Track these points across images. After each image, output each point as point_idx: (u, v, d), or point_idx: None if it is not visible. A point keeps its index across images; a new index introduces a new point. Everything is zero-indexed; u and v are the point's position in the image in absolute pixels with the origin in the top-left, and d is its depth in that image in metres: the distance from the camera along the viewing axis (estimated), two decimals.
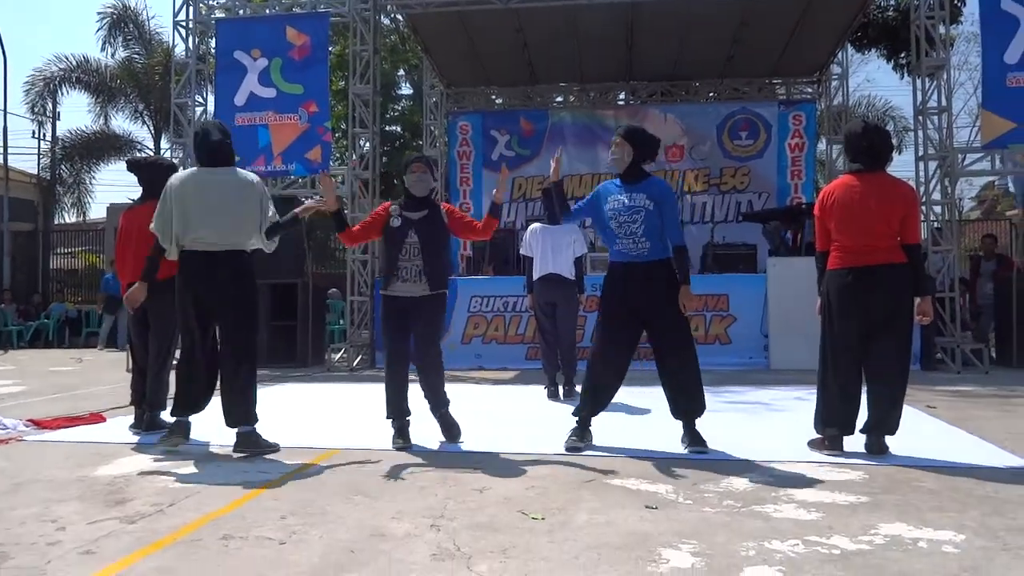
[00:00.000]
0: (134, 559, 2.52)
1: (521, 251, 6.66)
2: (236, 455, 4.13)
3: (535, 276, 6.34)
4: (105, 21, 20.14)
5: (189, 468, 3.86)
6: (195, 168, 4.36)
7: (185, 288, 4.20)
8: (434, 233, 4.43)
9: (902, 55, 14.57)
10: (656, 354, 4.25)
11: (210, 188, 4.21)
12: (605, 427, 4.99)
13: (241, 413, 4.19)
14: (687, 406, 4.19)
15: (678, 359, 4.16)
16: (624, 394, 6.43)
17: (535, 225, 6.51)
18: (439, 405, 4.53)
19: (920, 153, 9.15)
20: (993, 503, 3.11)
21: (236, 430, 4.19)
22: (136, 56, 20.30)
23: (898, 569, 2.37)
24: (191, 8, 10.24)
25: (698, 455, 4.02)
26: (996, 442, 4.34)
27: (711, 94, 13.70)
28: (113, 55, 20.29)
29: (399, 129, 21.30)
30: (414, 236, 4.36)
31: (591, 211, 4.45)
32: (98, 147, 20.16)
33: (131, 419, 4.90)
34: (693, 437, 4.15)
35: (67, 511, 3.08)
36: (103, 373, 9.03)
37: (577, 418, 4.32)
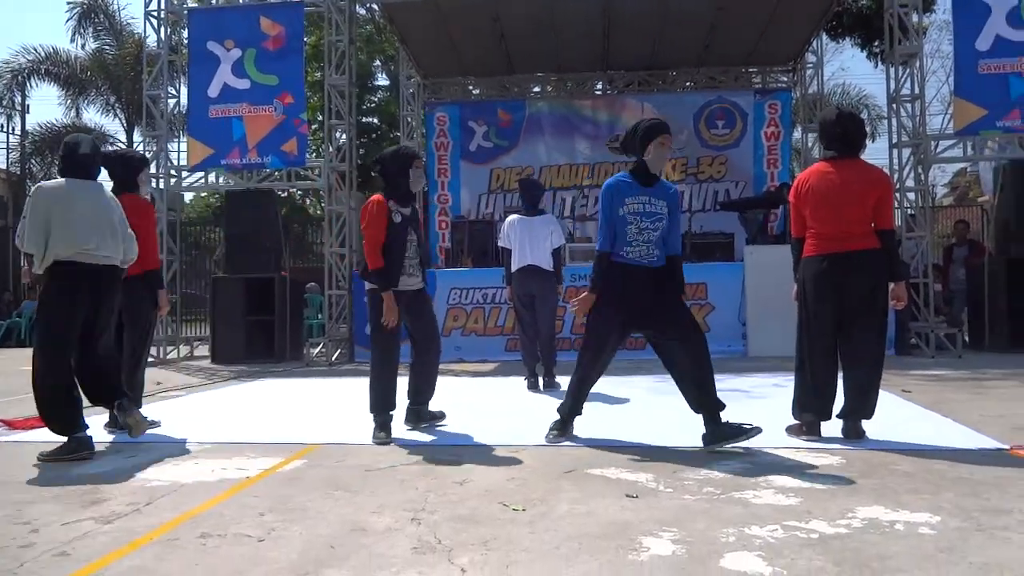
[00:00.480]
0: (110, 560, 2.49)
1: (499, 243, 6.64)
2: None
3: (513, 268, 6.33)
4: (75, 11, 19.83)
5: (166, 467, 3.82)
6: (65, 179, 4.17)
7: (77, 298, 4.04)
8: (419, 228, 4.57)
9: (876, 44, 14.69)
10: (672, 357, 4.02)
11: (91, 201, 4.15)
12: (585, 417, 5.01)
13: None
14: (718, 402, 3.97)
15: (704, 356, 3.98)
16: (604, 384, 6.46)
17: (513, 216, 6.49)
18: (430, 397, 4.68)
19: (894, 140, 9.24)
20: (968, 485, 3.15)
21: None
22: (107, 47, 20.03)
23: (876, 552, 2.40)
24: None
25: (741, 442, 3.80)
26: (970, 425, 4.40)
27: (688, 83, 13.73)
28: (83, 46, 20.00)
29: (376, 120, 21.17)
30: (412, 233, 4.45)
31: (613, 212, 4.00)
32: None
33: (105, 418, 4.83)
34: (730, 428, 3.87)
35: (41, 512, 3.03)
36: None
37: (560, 414, 4.26)
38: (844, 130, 4.02)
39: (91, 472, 3.71)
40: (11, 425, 4.97)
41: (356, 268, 4.37)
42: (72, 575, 2.36)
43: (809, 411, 4.06)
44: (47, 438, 4.56)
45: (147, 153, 10.16)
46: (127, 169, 4.88)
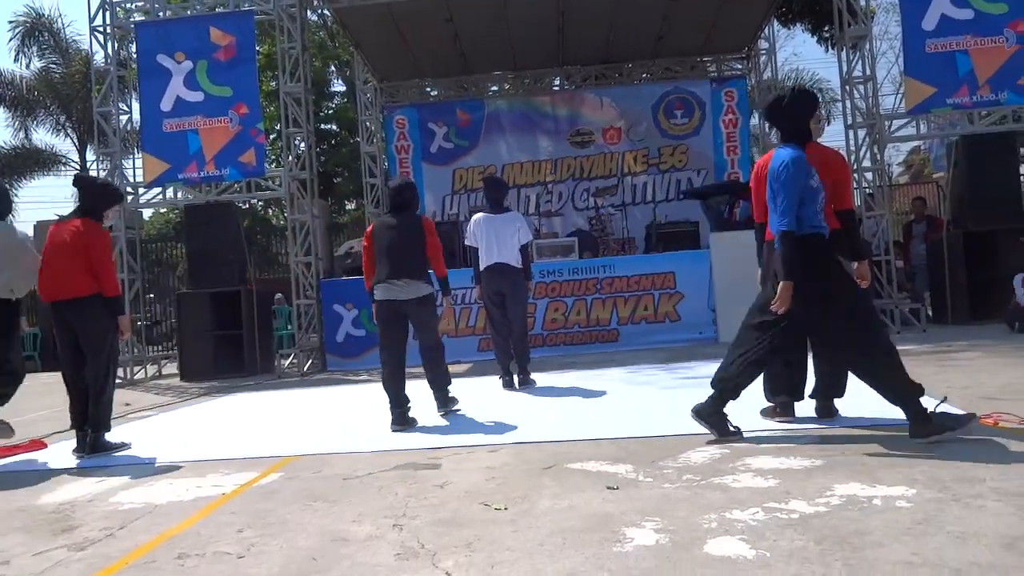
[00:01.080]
0: None
1: (466, 242, 6.60)
2: None
3: (481, 266, 6.30)
4: (18, 30, 19.33)
5: (139, 489, 3.74)
6: None
7: None
8: None
9: (826, 28, 14.91)
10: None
11: None
12: (561, 412, 5.02)
13: None
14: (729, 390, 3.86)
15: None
16: (578, 378, 6.48)
17: (478, 215, 6.45)
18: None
19: (849, 122, 9.38)
20: (939, 456, 3.21)
21: None
22: (54, 66, 19.55)
23: (855, 528, 2.43)
24: (107, 13, 9.88)
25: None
26: (937, 397, 4.47)
27: (644, 75, 13.81)
28: (28, 65, 19.50)
29: (335, 127, 20.99)
30: None
31: (807, 184, 3.66)
32: (20, 163, 19.37)
33: (73, 443, 4.72)
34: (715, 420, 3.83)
35: (9, 544, 2.95)
36: (40, 398, 8.68)
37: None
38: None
39: (61, 499, 3.62)
40: None
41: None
42: None
43: (780, 393, 4.11)
44: (15, 467, 4.46)
45: (101, 171, 9.96)
46: (97, 199, 4.79)
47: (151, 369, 10.39)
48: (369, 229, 5.24)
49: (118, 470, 4.20)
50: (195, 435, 5.28)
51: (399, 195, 5.16)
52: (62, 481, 4.03)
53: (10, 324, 4.89)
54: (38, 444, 5.09)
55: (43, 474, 4.26)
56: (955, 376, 5.30)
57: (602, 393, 5.68)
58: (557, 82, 14.07)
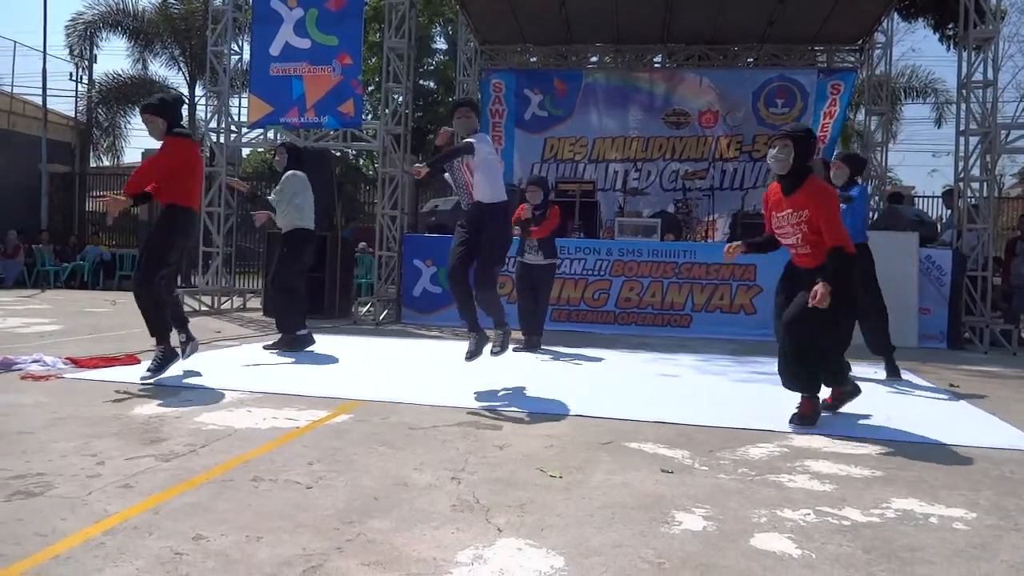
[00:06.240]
0: (169, 495, 2.65)
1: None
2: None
3: None
4: None
5: (221, 412, 4.00)
6: None
7: None
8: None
9: (950, 26, 14.13)
10: None
11: None
12: (627, 390, 5.07)
13: None
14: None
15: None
16: (648, 360, 6.50)
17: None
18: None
19: (962, 128, 8.94)
20: (1008, 484, 3.13)
21: None
22: (173, 1, 20.30)
23: (906, 543, 2.42)
24: None
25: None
26: (1016, 424, 4.34)
27: (750, 60, 13.42)
28: None
29: (432, 84, 21.20)
30: None
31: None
32: (134, 92, 20.26)
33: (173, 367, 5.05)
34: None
35: (106, 447, 3.22)
36: (137, 316, 9.23)
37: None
38: None
39: (151, 412, 3.91)
40: (77, 363, 5.23)
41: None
42: (135, 506, 2.52)
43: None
44: (111, 377, 4.82)
45: (208, 107, 10.42)
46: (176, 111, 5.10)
47: (236, 301, 10.90)
48: None
49: (203, 393, 4.48)
50: (274, 369, 5.56)
51: None
52: (153, 396, 4.34)
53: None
54: (132, 359, 5.47)
55: (136, 387, 4.58)
56: None
57: (671, 377, 5.70)
58: (658, 59, 13.82)
